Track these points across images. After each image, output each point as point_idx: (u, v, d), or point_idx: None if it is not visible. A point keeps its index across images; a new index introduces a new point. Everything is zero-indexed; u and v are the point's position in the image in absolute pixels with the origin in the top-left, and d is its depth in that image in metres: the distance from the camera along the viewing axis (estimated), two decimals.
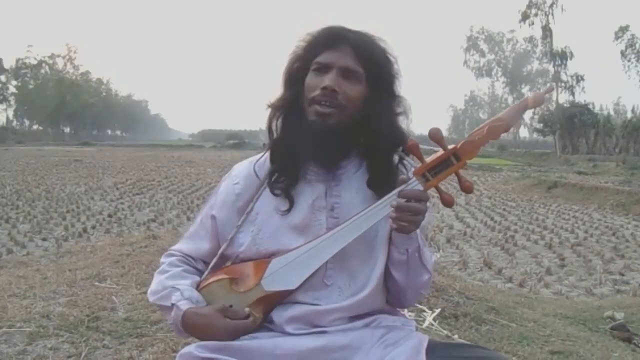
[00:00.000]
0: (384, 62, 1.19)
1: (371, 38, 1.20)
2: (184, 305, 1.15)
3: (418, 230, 1.17)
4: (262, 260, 1.19)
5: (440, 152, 1.13)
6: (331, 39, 1.17)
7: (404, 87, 1.23)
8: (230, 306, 1.16)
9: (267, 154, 1.26)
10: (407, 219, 1.11)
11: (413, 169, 1.16)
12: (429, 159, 1.14)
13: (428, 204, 1.14)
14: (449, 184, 1.22)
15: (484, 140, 1.13)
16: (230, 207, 1.25)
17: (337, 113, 1.15)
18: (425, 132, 1.13)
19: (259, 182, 1.25)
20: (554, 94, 45.73)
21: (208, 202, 1.32)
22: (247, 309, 1.14)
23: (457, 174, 1.14)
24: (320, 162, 1.20)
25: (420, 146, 1.15)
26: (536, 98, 1.16)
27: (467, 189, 1.14)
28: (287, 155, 1.20)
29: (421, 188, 1.13)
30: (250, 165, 1.28)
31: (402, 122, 1.21)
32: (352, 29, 1.20)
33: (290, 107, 1.19)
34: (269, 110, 1.23)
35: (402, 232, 1.15)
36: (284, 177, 1.21)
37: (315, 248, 1.16)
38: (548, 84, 57.02)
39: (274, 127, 1.22)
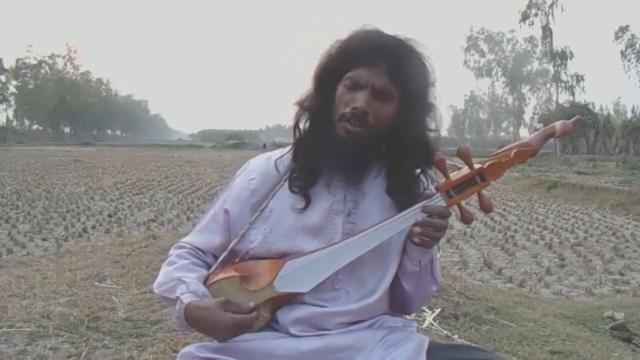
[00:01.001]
0: (420, 76, 1.16)
1: (409, 50, 1.15)
2: (187, 299, 1.12)
3: None
4: (276, 260, 1.18)
5: (466, 170, 1.14)
6: (366, 54, 1.13)
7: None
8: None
9: (288, 152, 1.25)
10: (430, 234, 1.12)
11: (436, 184, 1.16)
12: (453, 176, 1.14)
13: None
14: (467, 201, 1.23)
15: (510, 163, 1.14)
16: (245, 202, 1.23)
17: (367, 132, 1.14)
18: None
19: (276, 179, 1.23)
20: (554, 94, 45.79)
21: (221, 195, 1.29)
22: (251, 303, 1.13)
23: (478, 193, 1.15)
24: (344, 172, 1.19)
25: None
26: (564, 126, 1.15)
27: (487, 208, 1.15)
28: (311, 157, 1.19)
29: (444, 204, 1.13)
30: (268, 162, 1.26)
31: (432, 134, 1.20)
32: (390, 39, 1.14)
33: (319, 113, 1.18)
34: (297, 108, 1.21)
35: (422, 247, 1.15)
36: (304, 176, 1.19)
37: (332, 254, 1.15)
38: (548, 85, 57.08)
39: (300, 126, 1.21)
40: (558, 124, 1.16)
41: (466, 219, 1.15)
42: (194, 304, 1.12)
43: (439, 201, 1.13)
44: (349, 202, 1.19)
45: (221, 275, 1.20)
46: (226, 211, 1.24)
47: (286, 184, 1.21)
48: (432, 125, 1.19)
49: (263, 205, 1.21)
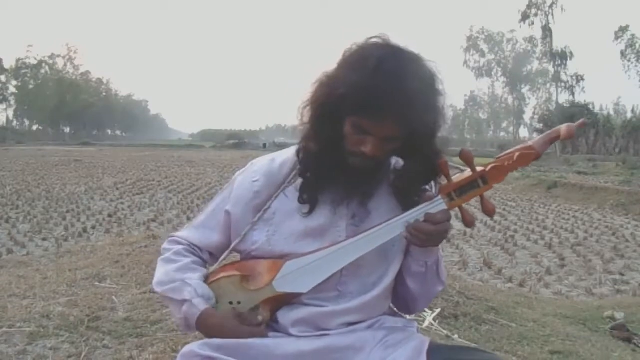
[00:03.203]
0: (428, 114, 1.10)
1: (420, 95, 1.06)
2: (201, 305, 1.13)
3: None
4: (276, 260, 1.17)
5: (468, 172, 1.13)
6: (373, 109, 1.05)
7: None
8: (239, 303, 1.16)
9: (289, 154, 1.24)
10: (430, 239, 1.12)
11: (438, 186, 1.16)
12: (455, 179, 1.13)
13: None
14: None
15: (514, 166, 1.13)
16: (247, 204, 1.21)
17: (377, 163, 1.14)
18: None
19: (280, 181, 1.22)
20: (554, 94, 45.79)
21: (221, 193, 1.28)
22: (260, 318, 1.14)
23: (481, 196, 1.14)
24: (355, 194, 1.17)
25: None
26: (569, 130, 1.14)
27: (489, 211, 1.15)
28: (320, 176, 1.17)
29: (445, 207, 1.13)
30: (272, 163, 1.25)
31: (440, 140, 1.17)
32: (400, 90, 1.04)
33: (327, 142, 1.13)
34: (303, 127, 1.17)
35: (422, 247, 1.15)
36: (312, 188, 1.18)
37: (332, 255, 1.15)
38: (548, 85, 57.08)
39: (308, 147, 1.17)
40: (563, 127, 1.15)
41: (468, 222, 1.14)
42: (210, 312, 1.13)
43: (440, 203, 1.13)
44: (353, 204, 1.18)
45: (222, 274, 1.20)
46: (227, 212, 1.23)
47: (290, 187, 1.21)
48: (440, 132, 1.17)
49: (266, 206, 1.20)
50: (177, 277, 1.18)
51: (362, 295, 1.17)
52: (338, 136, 1.11)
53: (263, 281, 1.16)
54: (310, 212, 1.17)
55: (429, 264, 1.19)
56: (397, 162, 1.20)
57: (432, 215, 1.11)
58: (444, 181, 1.15)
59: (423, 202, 1.13)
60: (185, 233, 1.29)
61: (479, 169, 1.13)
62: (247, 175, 1.25)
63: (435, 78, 1.10)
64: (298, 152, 1.20)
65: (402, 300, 1.26)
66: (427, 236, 1.11)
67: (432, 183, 1.21)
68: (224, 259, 1.26)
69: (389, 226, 1.14)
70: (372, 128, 1.07)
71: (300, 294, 1.16)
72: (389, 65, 1.05)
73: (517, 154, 1.13)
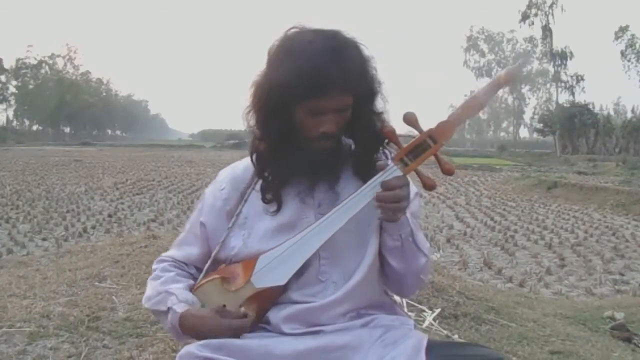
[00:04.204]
0: (367, 76, 1.16)
1: (353, 60, 1.13)
2: (180, 308, 1.16)
3: (408, 215, 1.17)
4: (251, 259, 1.19)
5: (417, 136, 1.14)
6: (321, 86, 1.10)
7: (394, 80, 1.20)
8: (224, 306, 1.16)
9: (248, 159, 1.26)
10: (391, 207, 1.11)
11: (392, 154, 1.16)
12: (406, 144, 1.14)
13: (412, 188, 1.15)
14: (430, 169, 1.22)
15: (458, 119, 1.13)
16: (219, 212, 1.26)
17: (335, 141, 1.17)
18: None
19: (245, 185, 1.26)
20: (554, 94, 45.79)
21: (195, 209, 1.33)
22: (242, 309, 1.15)
23: (436, 157, 1.13)
24: (322, 179, 1.20)
25: (400, 134, 1.15)
26: (508, 73, 1.15)
27: (447, 171, 1.13)
28: (280, 172, 1.20)
29: (400, 173, 1.12)
30: (234, 170, 1.30)
31: (381, 110, 1.20)
32: (336, 60, 1.10)
33: (279, 137, 1.17)
34: (251, 133, 1.21)
35: (390, 221, 1.15)
36: (273, 187, 1.21)
37: (301, 241, 1.16)
38: (548, 85, 57.08)
39: (260, 148, 1.22)
40: (502, 72, 1.16)
41: (427, 185, 1.13)
42: (189, 312, 1.15)
43: (394, 170, 1.13)
44: (319, 193, 1.21)
45: (204, 280, 1.23)
46: (202, 224, 1.27)
47: (256, 189, 1.24)
48: (380, 105, 1.20)
49: (237, 210, 1.24)
50: (161, 289, 1.23)
51: (346, 283, 1.18)
52: (289, 128, 1.15)
53: (241, 280, 1.17)
54: (278, 209, 1.20)
55: (404, 236, 1.18)
56: (351, 144, 1.23)
57: (386, 181, 1.11)
58: (398, 151, 1.15)
59: (377, 172, 1.14)
60: (170, 252, 1.34)
61: (425, 129, 1.13)
62: (214, 185, 1.30)
63: (360, 46, 1.17)
64: (251, 155, 1.24)
65: (391, 281, 1.26)
66: (397, 201, 1.11)
67: (388, 154, 1.22)
68: (207, 269, 1.28)
69: (349, 202, 1.15)
70: (325, 105, 1.12)
71: (280, 287, 1.17)
72: (319, 44, 1.12)
73: (460, 107, 1.14)
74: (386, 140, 1.20)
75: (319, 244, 1.16)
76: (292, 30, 1.17)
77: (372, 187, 1.14)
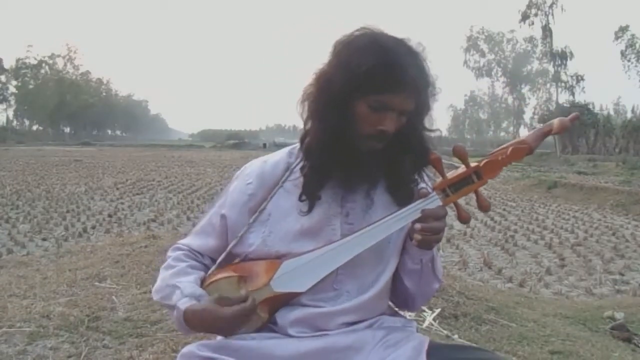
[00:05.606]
0: (429, 89, 1.17)
1: (426, 69, 1.15)
2: (183, 305, 1.14)
3: None
4: (274, 260, 1.17)
5: (462, 168, 1.13)
6: (393, 82, 1.10)
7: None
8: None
9: (282, 155, 1.25)
10: (432, 238, 1.12)
11: (432, 183, 1.16)
12: (450, 175, 1.14)
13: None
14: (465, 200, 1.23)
15: (507, 161, 1.13)
16: (242, 207, 1.22)
17: (384, 144, 1.15)
18: None
19: (273, 182, 1.22)
20: (554, 94, 45.79)
21: (219, 199, 1.30)
22: (242, 291, 1.13)
23: (476, 192, 1.14)
24: (359, 183, 1.17)
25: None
26: (561, 123, 1.14)
27: (484, 208, 1.14)
28: (325, 168, 1.16)
29: (440, 203, 1.13)
30: (264, 165, 1.26)
31: (430, 133, 1.20)
32: (410, 61, 1.11)
33: (336, 128, 1.14)
34: (306, 118, 1.18)
35: (425, 249, 1.15)
36: (314, 183, 1.18)
37: (329, 253, 1.15)
38: (548, 85, 57.08)
39: (311, 143, 1.18)
40: (555, 121, 1.15)
41: (463, 217, 1.14)
42: (191, 309, 1.13)
43: (435, 200, 1.12)
44: (346, 202, 1.19)
45: (219, 276, 1.20)
46: (223, 216, 1.24)
47: (284, 187, 1.21)
48: (430, 125, 1.19)
49: (261, 207, 1.21)
50: (170, 282, 1.19)
51: (360, 295, 1.17)
52: (346, 123, 1.12)
53: (261, 281, 1.16)
54: (309, 210, 1.17)
55: (424, 261, 1.18)
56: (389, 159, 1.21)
57: (433, 211, 1.11)
58: (438, 179, 1.15)
59: (418, 199, 1.13)
60: (187, 240, 1.31)
61: (472, 164, 1.13)
62: (241, 178, 1.27)
63: (428, 62, 1.17)
64: (292, 151, 1.22)
65: (400, 298, 1.26)
66: (435, 233, 1.11)
67: (426, 179, 1.21)
68: (221, 262, 1.25)
69: (384, 223, 1.14)
70: (393, 102, 1.11)
71: (298, 294, 1.16)
72: (403, 43, 1.13)
73: (510, 148, 1.13)
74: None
75: (347, 258, 1.15)
76: (361, 30, 1.15)
77: (410, 212, 1.13)
